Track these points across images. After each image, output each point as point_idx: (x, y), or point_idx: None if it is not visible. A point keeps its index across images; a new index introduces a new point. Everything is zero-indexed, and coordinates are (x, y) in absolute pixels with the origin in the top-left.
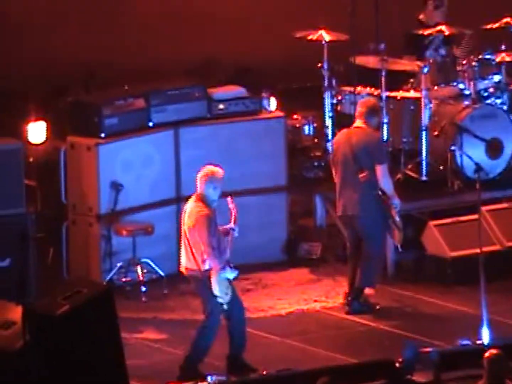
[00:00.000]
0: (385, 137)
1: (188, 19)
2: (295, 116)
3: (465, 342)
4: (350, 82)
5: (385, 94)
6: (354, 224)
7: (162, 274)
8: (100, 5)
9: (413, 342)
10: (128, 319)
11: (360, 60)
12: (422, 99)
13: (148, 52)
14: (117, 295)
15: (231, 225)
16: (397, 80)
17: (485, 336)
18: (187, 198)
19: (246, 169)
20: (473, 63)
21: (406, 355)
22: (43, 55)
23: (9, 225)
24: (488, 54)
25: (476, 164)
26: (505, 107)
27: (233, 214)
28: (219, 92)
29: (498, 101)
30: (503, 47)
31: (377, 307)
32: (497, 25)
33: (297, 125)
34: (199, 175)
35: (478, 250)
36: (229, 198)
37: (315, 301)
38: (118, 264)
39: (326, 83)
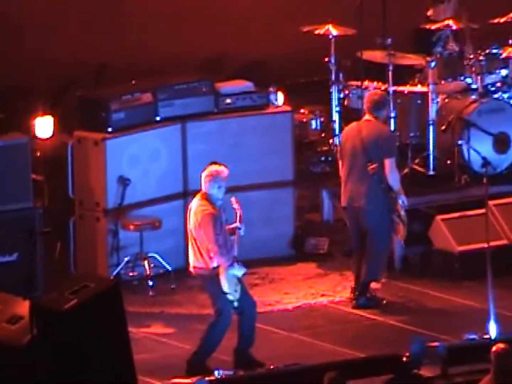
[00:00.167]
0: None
1: (195, 16)
2: (302, 111)
3: (472, 336)
4: (357, 77)
5: (392, 88)
6: (360, 216)
7: (169, 268)
8: (101, 4)
9: (420, 337)
10: (135, 314)
11: (367, 54)
12: (429, 94)
13: (152, 50)
14: (124, 289)
15: (237, 224)
16: (404, 74)
17: (492, 330)
18: (194, 193)
19: (253, 164)
20: (480, 58)
21: (413, 350)
22: (47, 52)
23: (16, 219)
24: (495, 49)
25: (483, 158)
26: None
27: (238, 214)
28: (226, 86)
29: (505, 95)
30: (510, 41)
31: (384, 301)
32: (504, 19)
33: (304, 120)
34: (203, 175)
35: (485, 245)
36: (233, 199)
37: (322, 295)
38: (126, 259)
39: (333, 78)
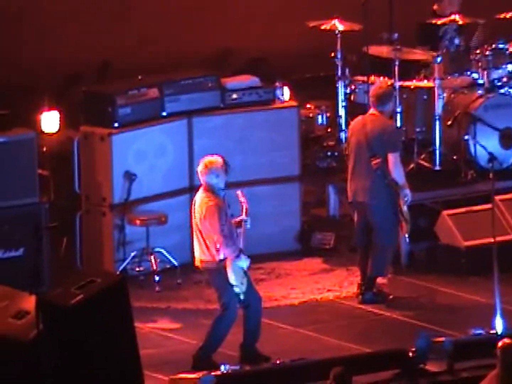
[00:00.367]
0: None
1: (201, 10)
2: (308, 106)
3: (478, 331)
4: (363, 72)
5: (398, 83)
6: (365, 211)
7: (176, 263)
8: (105, 1)
9: (426, 332)
10: (141, 309)
11: (374, 50)
12: (436, 89)
13: (156, 47)
14: (131, 284)
15: (243, 217)
16: (410, 69)
17: (499, 325)
18: (200, 188)
19: (259, 159)
20: (487, 53)
21: (419, 345)
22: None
23: (22, 215)
24: (501, 44)
25: (490, 153)
26: None
27: (244, 207)
28: (232, 82)
29: None
30: None
31: (390, 296)
32: (510, 14)
33: (311, 115)
34: (198, 169)
35: (491, 240)
36: (239, 192)
37: (328, 290)
38: (132, 254)
39: (339, 73)
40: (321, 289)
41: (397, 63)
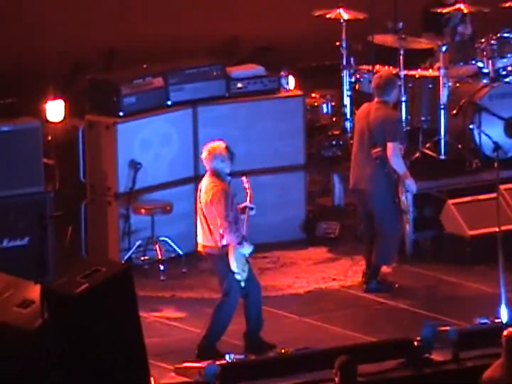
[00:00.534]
0: (403, 116)
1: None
2: (313, 95)
3: (484, 320)
4: (368, 61)
5: (403, 72)
6: (366, 199)
7: (181, 252)
8: None
9: (432, 321)
10: (146, 298)
11: (378, 38)
12: (441, 78)
13: (162, 35)
14: (136, 273)
15: (247, 203)
16: (415, 58)
17: (504, 314)
18: (205, 174)
19: (264, 148)
20: (492, 42)
21: (425, 334)
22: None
23: (27, 204)
24: (506, 33)
25: (495, 143)
26: None
27: (248, 194)
28: (237, 70)
29: None
30: None
31: (396, 285)
32: None
33: (316, 104)
34: (202, 156)
35: (496, 229)
36: (244, 178)
37: (334, 279)
38: (137, 243)
39: (344, 62)
40: (326, 278)
41: (402, 52)
